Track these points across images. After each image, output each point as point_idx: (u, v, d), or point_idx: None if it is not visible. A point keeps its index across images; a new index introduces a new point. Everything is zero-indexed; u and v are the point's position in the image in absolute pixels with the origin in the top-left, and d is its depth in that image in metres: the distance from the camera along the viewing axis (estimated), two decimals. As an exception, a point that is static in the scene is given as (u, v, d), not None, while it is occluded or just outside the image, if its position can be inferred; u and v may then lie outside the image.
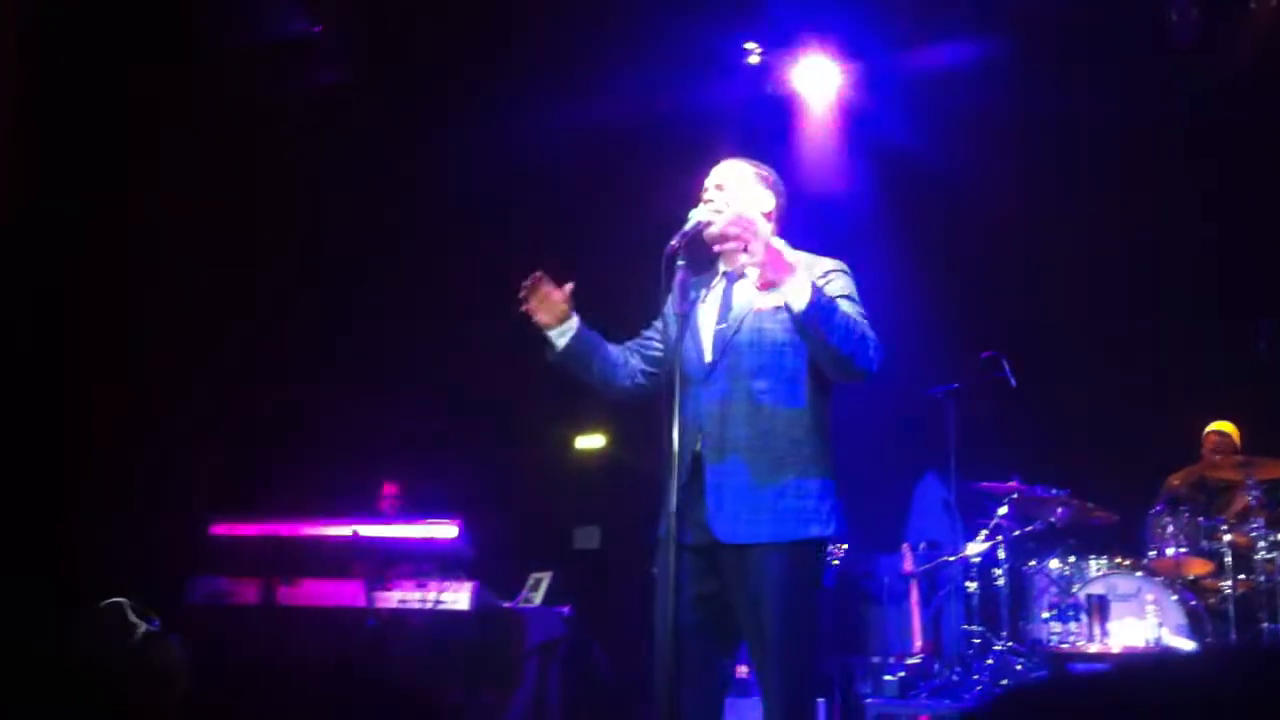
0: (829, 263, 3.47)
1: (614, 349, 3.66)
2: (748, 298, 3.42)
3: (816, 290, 3.14)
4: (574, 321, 3.58)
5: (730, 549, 3.26)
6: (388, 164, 7.46)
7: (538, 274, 3.55)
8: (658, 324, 3.68)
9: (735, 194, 3.48)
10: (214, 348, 6.80)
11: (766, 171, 3.60)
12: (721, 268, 3.54)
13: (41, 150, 6.13)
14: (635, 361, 3.66)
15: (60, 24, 6.16)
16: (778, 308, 3.32)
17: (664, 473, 3.24)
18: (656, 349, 3.66)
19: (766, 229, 3.22)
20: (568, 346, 3.57)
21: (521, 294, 3.54)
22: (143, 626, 1.89)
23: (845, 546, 6.55)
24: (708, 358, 3.39)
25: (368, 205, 7.53)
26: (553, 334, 3.57)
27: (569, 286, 3.56)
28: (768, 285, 3.13)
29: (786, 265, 3.12)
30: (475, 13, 7.22)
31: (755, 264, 3.11)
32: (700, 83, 7.62)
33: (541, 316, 3.56)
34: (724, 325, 3.42)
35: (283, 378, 7.19)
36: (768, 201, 3.54)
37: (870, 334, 3.29)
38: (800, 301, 3.11)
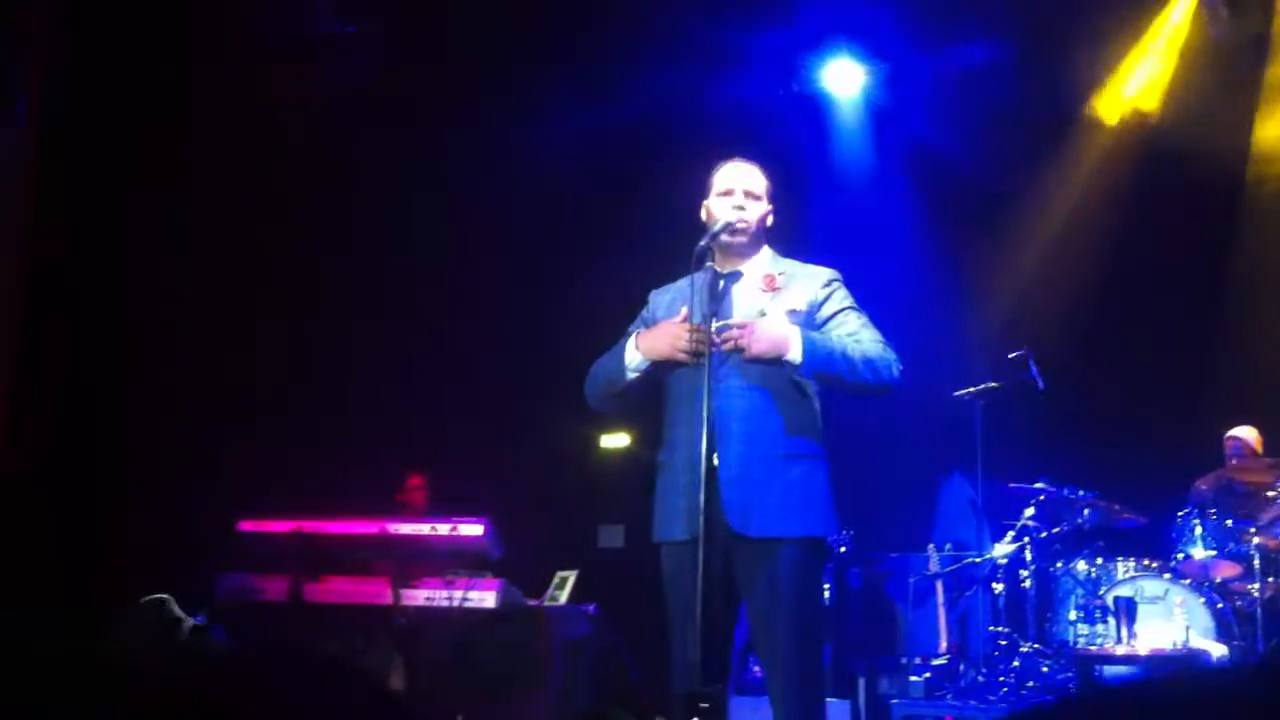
0: (824, 273, 3.57)
1: None
2: (754, 300, 3.48)
3: (809, 347, 3.29)
4: None
5: (742, 541, 3.34)
6: (416, 162, 7.49)
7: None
8: (641, 328, 3.69)
9: (761, 206, 3.56)
10: (243, 346, 6.84)
11: (769, 180, 3.65)
12: (712, 265, 3.48)
13: (66, 149, 6.17)
14: None
15: (89, 21, 6.21)
16: (791, 310, 3.43)
17: (680, 470, 3.34)
18: None
19: (795, 346, 3.31)
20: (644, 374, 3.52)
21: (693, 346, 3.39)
22: (189, 621, 1.91)
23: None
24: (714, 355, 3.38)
25: (396, 203, 7.56)
26: (644, 364, 3.49)
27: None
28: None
29: (783, 341, 3.28)
30: (502, 13, 7.25)
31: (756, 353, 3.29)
32: (728, 80, 7.63)
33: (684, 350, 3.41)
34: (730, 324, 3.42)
35: (312, 376, 7.23)
36: (769, 213, 3.61)
37: (884, 353, 3.40)
38: (798, 357, 3.29)
